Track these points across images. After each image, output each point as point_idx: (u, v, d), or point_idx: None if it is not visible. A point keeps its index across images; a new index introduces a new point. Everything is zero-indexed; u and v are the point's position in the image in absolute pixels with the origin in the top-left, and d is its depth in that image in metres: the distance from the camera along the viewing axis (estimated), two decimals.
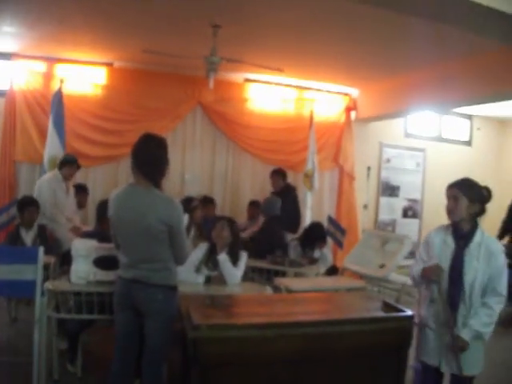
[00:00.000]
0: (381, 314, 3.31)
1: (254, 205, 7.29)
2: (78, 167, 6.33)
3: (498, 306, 3.05)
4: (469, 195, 3.10)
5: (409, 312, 3.30)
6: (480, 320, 3.01)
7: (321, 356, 3.01)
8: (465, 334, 3.01)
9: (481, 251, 3.07)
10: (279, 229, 6.28)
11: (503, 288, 3.06)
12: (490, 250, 3.07)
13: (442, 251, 3.18)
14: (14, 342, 5.03)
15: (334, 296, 4.45)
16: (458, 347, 3.02)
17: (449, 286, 3.12)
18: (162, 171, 3.20)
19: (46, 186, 5.95)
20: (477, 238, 3.11)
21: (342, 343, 3.04)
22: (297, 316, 3.23)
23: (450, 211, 3.18)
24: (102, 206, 4.54)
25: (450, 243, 3.17)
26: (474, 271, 3.05)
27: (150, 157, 3.15)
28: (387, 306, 3.42)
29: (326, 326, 3.06)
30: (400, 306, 3.40)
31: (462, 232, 3.15)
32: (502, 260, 3.09)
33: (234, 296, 4.00)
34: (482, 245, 3.08)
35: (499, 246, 3.17)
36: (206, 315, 2.96)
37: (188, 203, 5.60)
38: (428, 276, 3.16)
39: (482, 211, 3.17)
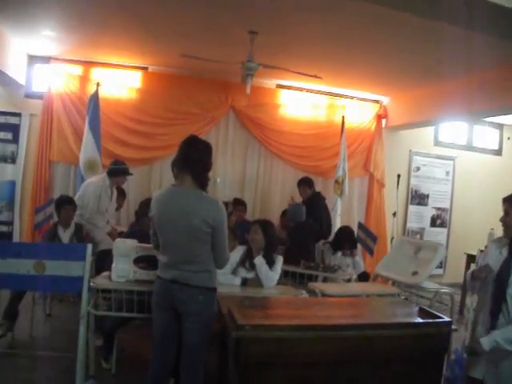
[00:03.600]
0: (419, 319, 3.32)
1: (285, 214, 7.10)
2: (129, 175, 6.46)
3: None
4: None
5: (446, 318, 3.32)
6: (505, 333, 2.91)
7: (358, 359, 3.03)
8: (484, 341, 2.95)
9: None
10: (306, 234, 6.31)
11: None
12: None
13: (496, 261, 3.11)
14: (50, 337, 5.17)
15: (370, 301, 4.48)
16: (470, 349, 3.03)
17: (492, 294, 3.07)
18: (208, 174, 3.25)
19: (92, 189, 6.02)
20: None
21: (380, 347, 3.05)
22: (335, 319, 3.25)
23: (503, 225, 3.15)
24: (144, 206, 4.64)
25: (504, 253, 3.10)
26: None
27: (199, 158, 3.19)
28: (424, 312, 3.42)
29: (365, 329, 3.08)
30: (437, 313, 3.41)
31: None
32: None
33: (272, 298, 4.03)
34: None
35: None
36: (247, 316, 3.00)
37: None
38: (477, 275, 3.12)
39: None
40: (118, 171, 6.20)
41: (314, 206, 6.81)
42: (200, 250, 3.16)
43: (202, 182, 3.20)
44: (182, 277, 3.14)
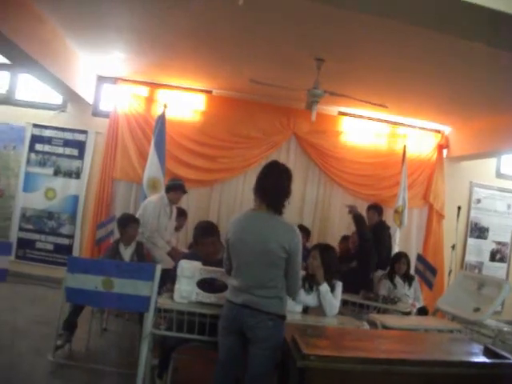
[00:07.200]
0: (485, 359, 3.21)
1: (346, 240, 7.05)
2: (184, 192, 6.40)
3: None
4: None
5: None
6: None
7: None
8: None
9: None
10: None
11: None
12: None
13: None
14: (105, 351, 5.24)
15: (432, 336, 4.36)
16: None
17: None
18: (284, 201, 3.21)
19: (151, 208, 6.07)
20: None
21: None
22: (399, 354, 3.16)
23: None
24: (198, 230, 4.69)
25: None
26: None
27: (275, 184, 3.20)
28: (489, 352, 3.31)
29: (431, 366, 2.99)
30: (504, 353, 3.29)
31: None
32: None
33: (334, 328, 3.97)
34: None
35: None
36: (311, 345, 2.97)
37: None
38: None
39: None
40: (172, 186, 6.24)
41: (378, 234, 6.78)
42: (273, 274, 3.16)
43: (277, 207, 3.19)
44: (253, 302, 3.13)
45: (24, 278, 7.40)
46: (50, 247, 7.84)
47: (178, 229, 6.82)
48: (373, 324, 4.48)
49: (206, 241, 4.48)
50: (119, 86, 7.87)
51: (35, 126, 7.85)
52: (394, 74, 6.09)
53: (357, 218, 6.42)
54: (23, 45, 5.33)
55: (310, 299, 4.26)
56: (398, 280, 6.12)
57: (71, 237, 7.86)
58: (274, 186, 3.19)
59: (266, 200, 3.19)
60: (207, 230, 4.61)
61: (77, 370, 4.61)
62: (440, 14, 3.55)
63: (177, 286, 3.92)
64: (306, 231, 7.10)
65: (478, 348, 3.42)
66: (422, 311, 5.84)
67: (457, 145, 8.63)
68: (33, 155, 7.84)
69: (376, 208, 7.22)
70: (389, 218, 7.73)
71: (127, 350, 5.19)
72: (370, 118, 8.40)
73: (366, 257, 6.19)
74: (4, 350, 4.68)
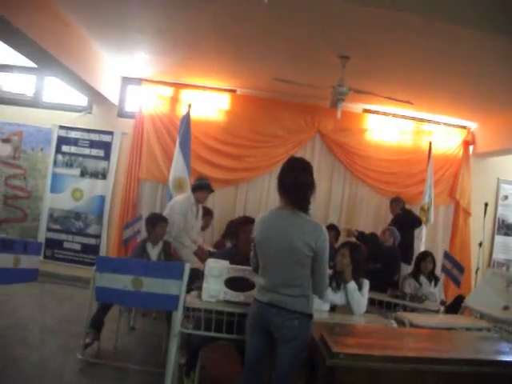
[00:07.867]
0: None
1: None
2: (211, 191, 6.39)
3: None
4: None
5: None
6: None
7: None
8: None
9: None
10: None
11: None
12: None
13: None
14: (132, 350, 5.29)
15: (461, 335, 4.31)
16: None
17: None
18: (307, 196, 3.13)
19: (178, 207, 6.07)
20: None
21: None
22: (428, 352, 3.12)
23: None
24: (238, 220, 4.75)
25: None
26: None
27: (296, 181, 3.10)
28: None
29: (460, 364, 2.96)
30: None
31: None
32: None
33: (362, 326, 3.95)
34: None
35: None
36: (340, 343, 2.95)
37: None
38: None
39: None
40: (199, 186, 6.24)
41: (401, 222, 6.95)
42: (299, 273, 3.11)
43: (301, 205, 3.12)
44: (279, 301, 3.11)
45: (52, 277, 7.52)
46: (78, 247, 7.95)
47: (204, 228, 6.85)
48: (400, 322, 4.46)
49: (248, 227, 4.40)
50: (144, 87, 7.95)
51: (61, 127, 7.97)
52: (419, 71, 6.03)
53: (360, 238, 6.56)
54: (49, 48, 5.39)
55: (337, 297, 4.25)
56: (423, 279, 6.07)
57: (98, 237, 7.96)
58: (294, 182, 3.10)
59: (289, 198, 3.12)
60: (248, 218, 4.71)
61: (105, 367, 4.67)
62: (461, 8, 3.52)
63: (205, 285, 3.93)
64: (336, 230, 7.09)
65: (507, 347, 3.38)
66: (459, 299, 5.83)
67: (483, 141, 8.51)
68: (59, 156, 7.97)
69: (396, 201, 7.45)
70: None
71: (155, 348, 5.22)
72: (395, 115, 8.32)
73: (391, 256, 6.20)
74: (34, 348, 4.77)
